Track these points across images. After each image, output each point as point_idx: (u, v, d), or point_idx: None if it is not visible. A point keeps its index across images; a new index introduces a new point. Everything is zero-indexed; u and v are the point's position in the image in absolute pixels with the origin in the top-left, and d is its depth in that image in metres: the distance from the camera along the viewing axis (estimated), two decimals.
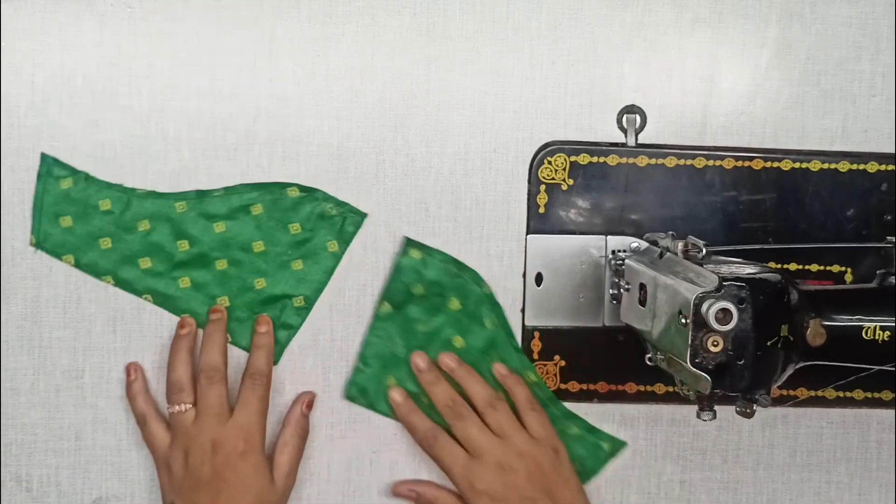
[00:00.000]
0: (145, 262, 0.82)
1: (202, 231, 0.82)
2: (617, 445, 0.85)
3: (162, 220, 0.82)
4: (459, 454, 0.80)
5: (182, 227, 0.82)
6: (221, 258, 0.82)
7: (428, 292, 0.83)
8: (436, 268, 0.82)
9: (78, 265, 0.81)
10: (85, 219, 0.81)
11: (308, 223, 0.83)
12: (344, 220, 0.83)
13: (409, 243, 0.82)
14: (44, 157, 0.80)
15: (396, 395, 0.83)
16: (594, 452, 0.85)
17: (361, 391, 0.84)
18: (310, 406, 0.83)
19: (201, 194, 0.82)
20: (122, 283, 0.82)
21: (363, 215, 0.83)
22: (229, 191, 0.82)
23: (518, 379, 0.83)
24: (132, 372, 0.82)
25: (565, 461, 0.81)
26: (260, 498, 0.78)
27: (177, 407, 0.79)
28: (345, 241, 0.83)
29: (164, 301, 0.82)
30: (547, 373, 0.84)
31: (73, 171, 0.81)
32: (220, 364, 0.80)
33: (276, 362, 0.83)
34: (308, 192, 0.82)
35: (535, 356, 0.84)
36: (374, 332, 0.83)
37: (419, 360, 0.82)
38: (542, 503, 0.78)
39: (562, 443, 0.82)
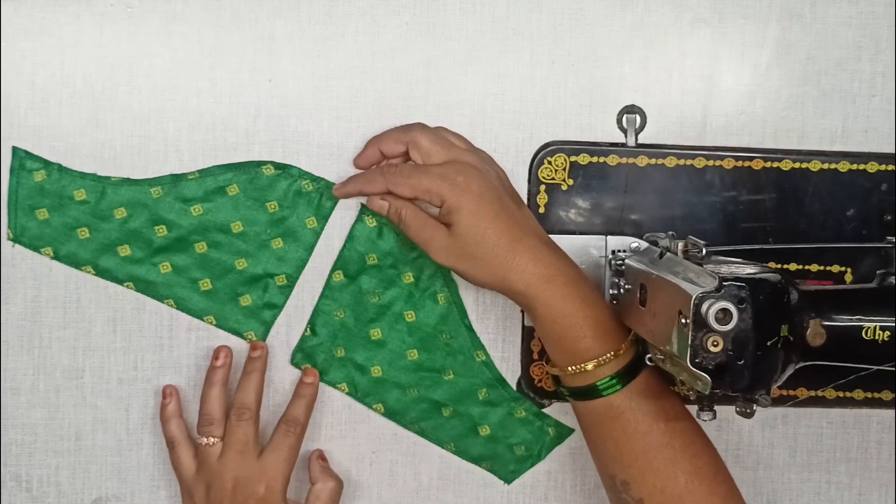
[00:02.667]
0: (124, 250, 0.82)
1: (179, 215, 0.82)
2: (564, 432, 0.86)
3: (138, 206, 0.81)
4: (425, 167, 0.78)
5: (159, 213, 0.82)
6: (200, 241, 0.82)
7: (381, 263, 0.83)
8: (391, 238, 0.82)
9: (57, 257, 0.81)
10: (61, 210, 0.81)
11: (285, 201, 0.82)
12: (321, 196, 0.82)
13: (365, 210, 0.82)
14: (15, 150, 0.80)
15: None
16: (540, 437, 0.86)
17: (307, 357, 0.84)
18: (323, 457, 0.83)
19: (176, 178, 0.82)
20: (102, 273, 0.82)
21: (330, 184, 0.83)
22: (204, 173, 0.82)
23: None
24: (167, 394, 0.82)
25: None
26: None
27: (205, 440, 0.79)
28: (323, 216, 0.83)
29: (146, 288, 0.82)
30: (547, 373, 0.84)
31: (46, 163, 0.81)
32: (252, 403, 0.80)
33: (262, 340, 0.83)
34: (283, 168, 0.82)
35: (535, 356, 0.84)
36: (325, 300, 0.83)
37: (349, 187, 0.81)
38: (521, 214, 0.78)
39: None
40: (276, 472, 0.79)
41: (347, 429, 0.85)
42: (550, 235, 0.83)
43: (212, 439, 0.79)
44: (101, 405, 0.83)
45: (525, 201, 0.83)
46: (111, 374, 0.83)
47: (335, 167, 0.83)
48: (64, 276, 0.82)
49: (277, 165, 0.82)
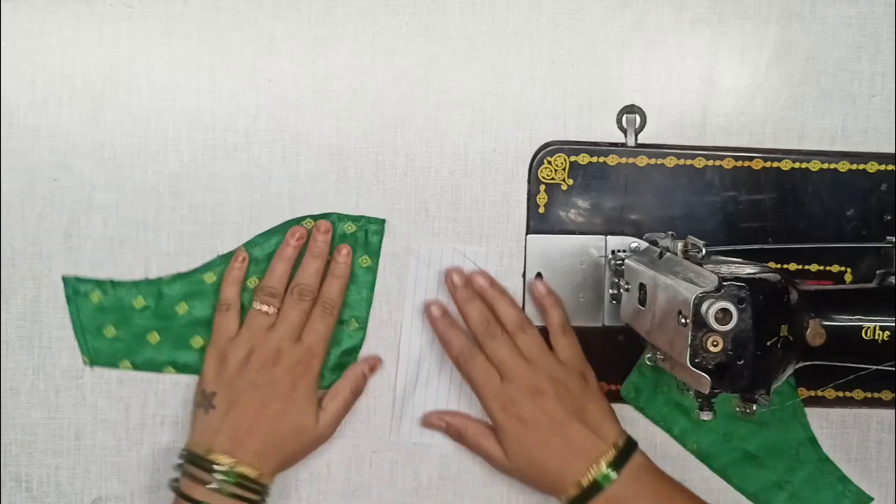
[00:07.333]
0: (197, 342, 0.83)
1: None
2: (864, 499, 0.85)
3: (196, 296, 0.82)
4: (494, 375, 0.80)
5: (218, 296, 0.82)
6: None
7: None
8: None
9: (136, 367, 0.82)
10: (126, 322, 0.82)
11: (334, 248, 0.82)
12: (366, 233, 0.83)
13: None
14: (65, 279, 0.81)
15: (434, 310, 0.83)
16: (838, 502, 0.85)
17: (636, 390, 0.84)
18: (372, 369, 0.84)
19: (225, 258, 0.82)
20: (183, 368, 0.83)
21: (382, 221, 0.83)
22: (250, 245, 0.82)
23: (555, 300, 0.83)
24: (240, 259, 0.82)
25: (594, 385, 0.82)
26: (299, 424, 0.79)
27: (263, 307, 0.80)
28: (374, 252, 0.83)
29: None
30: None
31: (98, 283, 0.81)
32: (314, 285, 0.81)
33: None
34: (323, 218, 0.83)
35: None
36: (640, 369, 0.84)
37: (455, 276, 0.82)
38: (572, 426, 0.78)
39: (590, 367, 0.82)
40: (315, 349, 0.80)
41: (347, 429, 0.85)
42: (550, 235, 0.83)
43: (270, 309, 0.80)
44: (101, 405, 0.83)
45: (525, 201, 0.83)
46: (111, 374, 0.83)
47: (335, 167, 0.83)
48: (64, 277, 0.82)
49: (315, 217, 0.82)
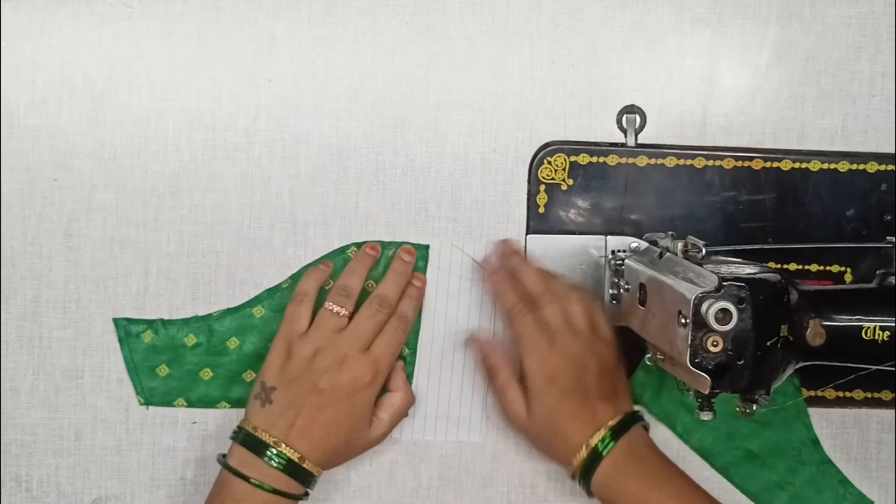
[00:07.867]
0: (249, 376, 0.83)
1: None
2: (864, 503, 0.86)
3: (247, 331, 0.82)
4: (542, 339, 0.78)
5: (268, 329, 0.82)
6: None
7: None
8: None
9: (190, 404, 0.83)
10: (179, 361, 0.82)
11: (379, 276, 0.82)
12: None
13: None
14: (116, 322, 0.82)
15: (494, 261, 0.83)
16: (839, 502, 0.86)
17: (641, 387, 0.84)
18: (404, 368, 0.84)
19: (271, 292, 0.82)
20: (236, 403, 0.83)
21: (426, 247, 0.83)
22: (295, 277, 0.82)
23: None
24: (326, 265, 0.82)
25: (623, 367, 0.81)
26: (352, 434, 0.79)
27: (336, 308, 0.79)
28: None
29: None
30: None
31: (149, 322, 0.82)
32: (394, 301, 0.81)
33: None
34: (375, 245, 0.83)
35: None
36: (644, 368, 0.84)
37: (503, 245, 0.83)
38: (602, 404, 0.78)
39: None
40: (382, 363, 0.79)
41: None
42: (550, 235, 0.83)
43: (342, 311, 0.79)
44: (101, 405, 0.83)
45: (525, 201, 0.83)
46: (111, 374, 0.83)
47: (335, 167, 0.83)
48: (64, 276, 0.82)
49: (358, 245, 0.82)
